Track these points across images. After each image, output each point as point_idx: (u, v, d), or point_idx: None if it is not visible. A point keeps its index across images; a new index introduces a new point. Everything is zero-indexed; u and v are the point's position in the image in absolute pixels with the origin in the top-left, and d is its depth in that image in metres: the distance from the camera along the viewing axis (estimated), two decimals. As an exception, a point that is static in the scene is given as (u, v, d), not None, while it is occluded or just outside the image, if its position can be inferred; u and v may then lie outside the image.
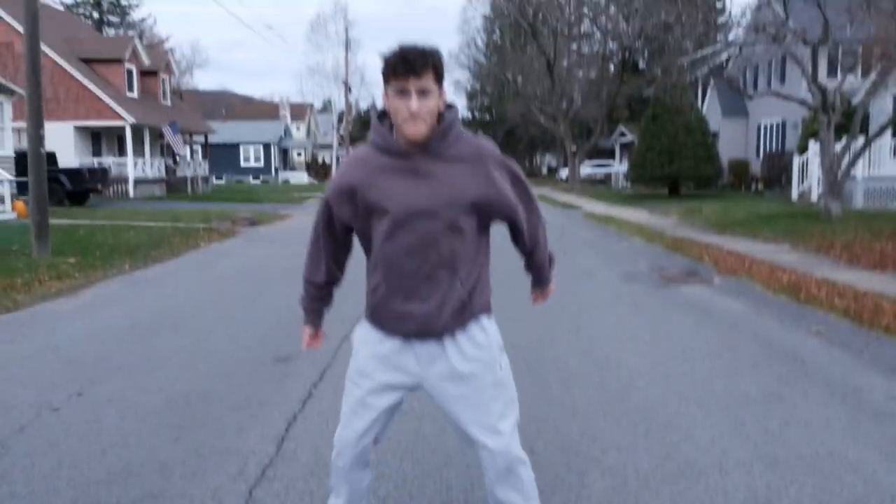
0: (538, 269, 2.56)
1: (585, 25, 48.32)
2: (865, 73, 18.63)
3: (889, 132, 18.23)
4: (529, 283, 2.66)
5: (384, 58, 2.12)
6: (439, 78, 2.14)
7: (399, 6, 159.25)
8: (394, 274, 2.26)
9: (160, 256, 11.77)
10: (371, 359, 2.35)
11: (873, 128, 18.23)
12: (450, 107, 2.25)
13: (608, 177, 47.05)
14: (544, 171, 76.14)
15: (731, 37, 23.56)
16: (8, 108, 20.93)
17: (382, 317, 2.32)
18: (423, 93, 2.09)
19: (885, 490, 3.23)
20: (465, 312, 2.26)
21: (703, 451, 3.64)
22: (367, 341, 2.37)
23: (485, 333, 2.30)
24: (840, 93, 15.86)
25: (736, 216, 16.84)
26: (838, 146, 15.54)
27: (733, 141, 33.31)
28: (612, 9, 43.64)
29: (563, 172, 52.00)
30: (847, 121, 17.76)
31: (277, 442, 3.79)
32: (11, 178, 19.04)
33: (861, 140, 15.87)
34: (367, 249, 2.34)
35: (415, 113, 2.08)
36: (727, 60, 28.91)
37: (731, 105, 32.59)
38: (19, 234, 13.23)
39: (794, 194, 20.28)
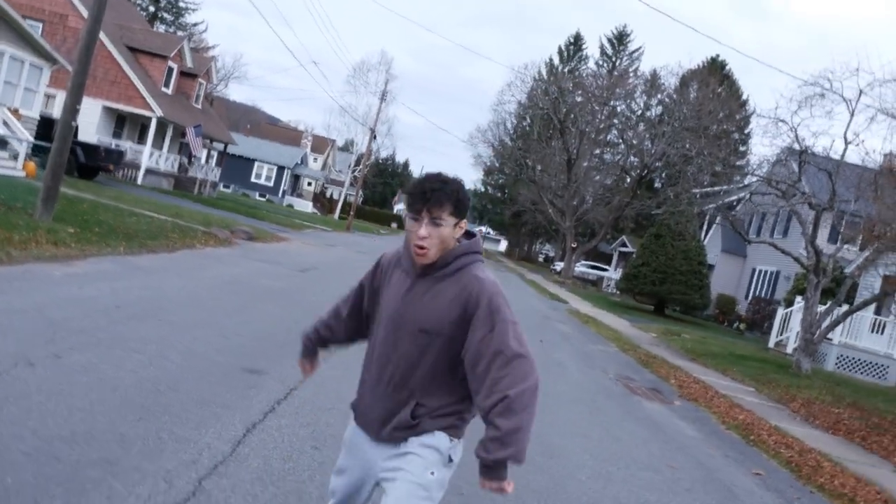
0: (495, 435, 2.17)
1: (612, 135, 49.88)
2: (863, 248, 19.33)
3: (872, 308, 18.82)
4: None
5: (407, 187, 2.36)
6: (458, 210, 2.26)
7: (441, 72, 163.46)
8: (367, 373, 2.41)
9: (156, 247, 12.00)
10: (344, 442, 2.49)
11: (859, 299, 18.84)
12: (471, 235, 2.37)
13: (600, 280, 47.66)
14: (541, 258, 77.02)
15: (745, 181, 24.47)
16: (46, 74, 21.42)
17: (356, 406, 2.45)
18: (434, 222, 2.23)
19: None
20: (408, 431, 2.28)
21: (620, 549, 3.87)
22: (350, 425, 2.48)
23: (433, 440, 2.28)
24: (834, 259, 16.46)
25: (712, 348, 17.18)
26: (822, 308, 16.03)
27: (726, 277, 34.00)
28: (641, 127, 45.17)
29: (559, 265, 52.65)
30: (836, 286, 18.36)
31: (233, 444, 4.01)
32: (31, 139, 19.36)
33: (844, 308, 16.39)
34: None
35: (422, 237, 2.22)
36: (737, 201, 29.85)
37: (732, 244, 33.39)
38: (25, 193, 13.48)
39: (772, 342, 20.69)
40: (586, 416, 7.21)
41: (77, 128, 24.51)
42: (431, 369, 2.27)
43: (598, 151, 49.32)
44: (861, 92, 15.30)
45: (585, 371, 10.23)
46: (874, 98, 15.14)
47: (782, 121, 16.43)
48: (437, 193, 2.23)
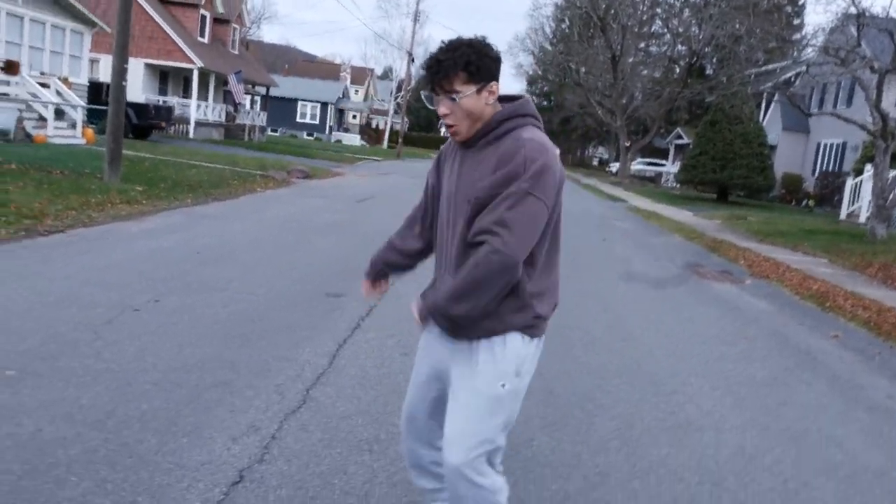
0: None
1: (656, 25, 47.89)
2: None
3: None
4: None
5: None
6: (475, 76, 2.01)
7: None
8: (436, 261, 2.28)
9: (219, 195, 12.42)
10: (425, 333, 2.34)
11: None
12: (512, 99, 2.14)
13: (658, 176, 46.76)
14: (595, 162, 75.83)
15: (801, 56, 23.36)
16: (87, 39, 21.80)
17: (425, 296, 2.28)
18: (449, 96, 2.03)
19: (859, 463, 3.63)
20: (473, 330, 2.10)
21: (703, 414, 4.07)
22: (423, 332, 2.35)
23: (504, 347, 2.10)
24: (901, 121, 15.78)
25: (780, 227, 16.91)
26: (893, 173, 15.51)
27: (790, 156, 32.92)
28: (686, 13, 43.20)
29: (614, 166, 51.85)
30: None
31: (330, 357, 4.32)
32: (84, 105, 19.91)
33: (916, 169, 15.80)
34: None
35: (443, 115, 2.06)
36: (795, 76, 28.60)
37: (793, 120, 32.16)
38: (90, 159, 14.03)
39: (843, 214, 20.19)
40: (657, 303, 7.35)
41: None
42: None
43: (642, 45, 47.48)
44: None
45: (651, 262, 10.30)
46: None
47: (837, -19, 15.55)
48: (443, 64, 2.00)
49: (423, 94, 2.12)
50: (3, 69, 17.18)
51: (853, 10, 15.49)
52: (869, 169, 18.29)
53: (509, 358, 2.09)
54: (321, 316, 5.31)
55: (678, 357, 5.26)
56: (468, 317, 2.03)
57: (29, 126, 17.08)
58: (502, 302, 2.05)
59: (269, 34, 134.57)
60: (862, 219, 18.56)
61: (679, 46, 43.30)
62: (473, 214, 2.03)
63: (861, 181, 19.48)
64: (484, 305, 2.01)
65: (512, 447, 2.64)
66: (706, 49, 40.00)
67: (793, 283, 9.37)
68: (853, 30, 16.37)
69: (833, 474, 3.48)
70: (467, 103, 2.02)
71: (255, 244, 8.18)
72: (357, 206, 13.63)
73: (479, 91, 2.02)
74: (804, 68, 22.29)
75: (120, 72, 11.45)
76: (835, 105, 28.09)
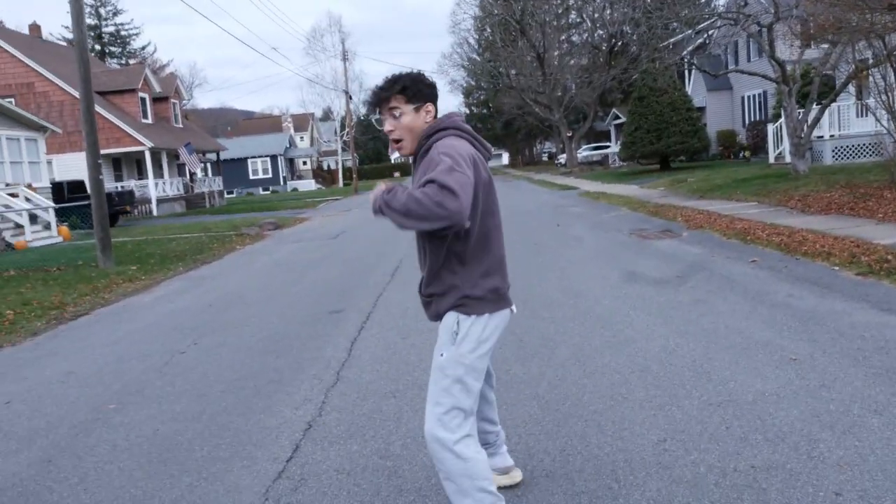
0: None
1: (573, 16, 49.96)
2: (834, 45, 20.05)
3: (853, 96, 19.77)
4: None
5: None
6: (412, 96, 2.50)
7: (386, 12, 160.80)
8: None
9: (206, 259, 13.51)
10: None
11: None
12: (446, 118, 2.57)
13: (605, 158, 48.57)
14: (545, 157, 77.81)
15: (703, 23, 25.18)
16: (42, 144, 22.76)
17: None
18: (392, 114, 2.51)
19: (753, 340, 4.90)
20: (432, 315, 2.64)
21: (637, 332, 5.34)
22: None
23: (444, 322, 2.57)
24: (801, 65, 17.44)
25: (716, 182, 18.44)
26: (802, 111, 17.12)
27: (720, 114, 34.81)
28: (598, -1, 45.28)
29: (562, 158, 53.59)
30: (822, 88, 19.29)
31: (347, 351, 5.51)
32: (53, 205, 20.82)
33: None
34: None
35: (388, 131, 2.53)
36: (707, 40, 30.46)
37: (715, 81, 34.09)
38: (77, 253, 15.00)
39: (772, 158, 21.85)
40: (605, 266, 8.62)
41: (83, 183, 26.04)
42: (429, 252, 2.55)
43: (564, 37, 49.52)
44: None
45: (601, 236, 11.61)
46: None
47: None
48: (385, 91, 2.51)
49: (373, 118, 2.63)
50: (-27, 187, 18.08)
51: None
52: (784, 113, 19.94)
53: (446, 330, 2.53)
54: (332, 326, 6.48)
55: (620, 300, 6.52)
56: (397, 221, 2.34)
57: (7, 235, 17.98)
58: (438, 284, 2.55)
59: (203, 100, 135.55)
60: (787, 159, 20.19)
61: (598, 31, 45.33)
62: None
63: (780, 125, 21.15)
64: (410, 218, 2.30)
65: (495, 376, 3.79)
66: (625, 28, 41.96)
67: (721, 227, 10.75)
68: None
69: (732, 350, 4.73)
70: (407, 121, 2.50)
71: (255, 290, 9.31)
72: (332, 242, 14.79)
73: (416, 110, 2.51)
74: (707, 34, 24.06)
75: (94, 167, 12.53)
76: (748, 59, 29.97)
